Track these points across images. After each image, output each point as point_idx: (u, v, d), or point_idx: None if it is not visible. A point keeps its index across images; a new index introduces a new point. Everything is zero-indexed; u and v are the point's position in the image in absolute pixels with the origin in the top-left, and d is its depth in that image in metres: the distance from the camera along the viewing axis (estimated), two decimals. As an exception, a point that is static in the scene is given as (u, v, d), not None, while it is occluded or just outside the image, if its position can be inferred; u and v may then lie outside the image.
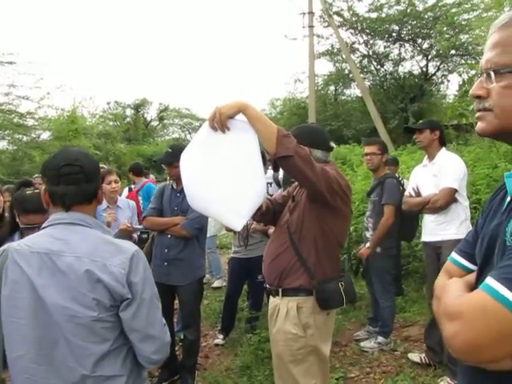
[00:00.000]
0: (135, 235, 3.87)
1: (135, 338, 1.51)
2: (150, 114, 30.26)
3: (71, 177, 1.53)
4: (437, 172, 3.58)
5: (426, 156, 3.80)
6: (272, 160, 2.91)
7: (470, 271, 1.11)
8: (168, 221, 3.58)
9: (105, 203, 4.12)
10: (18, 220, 2.52)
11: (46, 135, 14.79)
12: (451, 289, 1.03)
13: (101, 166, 7.49)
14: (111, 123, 25.18)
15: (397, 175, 4.92)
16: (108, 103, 27.31)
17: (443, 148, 3.70)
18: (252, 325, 4.42)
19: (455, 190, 3.47)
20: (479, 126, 1.04)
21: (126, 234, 3.59)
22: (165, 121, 32.11)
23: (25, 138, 13.62)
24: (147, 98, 28.50)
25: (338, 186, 2.23)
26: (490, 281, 0.86)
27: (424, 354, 3.79)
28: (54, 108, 14.09)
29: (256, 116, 2.02)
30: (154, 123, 31.31)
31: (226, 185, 2.05)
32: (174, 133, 34.17)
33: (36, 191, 2.42)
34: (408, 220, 4.26)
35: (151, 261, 3.65)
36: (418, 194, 3.74)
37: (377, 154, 4.18)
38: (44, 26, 59.58)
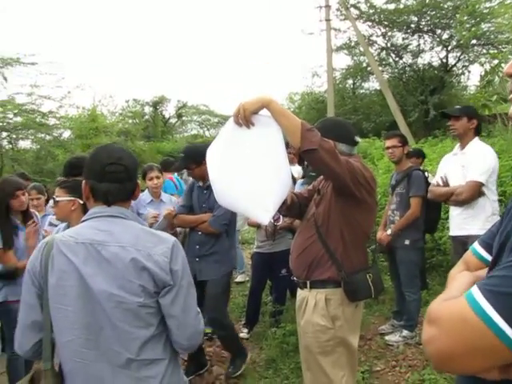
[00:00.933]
0: (178, 229, 3.93)
1: (173, 324, 1.57)
2: (169, 111, 30.29)
3: (116, 175, 1.60)
4: (465, 162, 3.47)
5: (458, 144, 3.67)
6: (297, 154, 2.93)
7: (488, 263, 1.05)
8: (197, 218, 3.64)
9: (149, 197, 4.37)
10: None
11: (67, 134, 15.04)
12: (454, 285, 0.98)
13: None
14: (130, 121, 25.34)
15: (421, 168, 4.89)
16: (127, 101, 27.44)
17: (476, 138, 3.54)
18: (276, 319, 4.45)
19: (481, 184, 3.37)
20: None
21: (169, 220, 3.71)
22: (183, 118, 32.14)
23: (47, 137, 13.82)
24: (165, 96, 28.59)
25: (363, 177, 2.23)
26: (474, 290, 0.82)
27: (451, 348, 3.74)
28: (74, 107, 14.31)
29: (280, 111, 2.04)
30: (173, 120, 31.36)
31: (252, 179, 2.08)
32: (192, 129, 34.23)
33: None
34: (431, 212, 4.23)
35: None
36: (446, 183, 3.64)
37: (398, 146, 4.17)
38: (63, 26, 60.27)
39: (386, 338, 4.26)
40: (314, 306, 2.29)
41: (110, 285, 1.49)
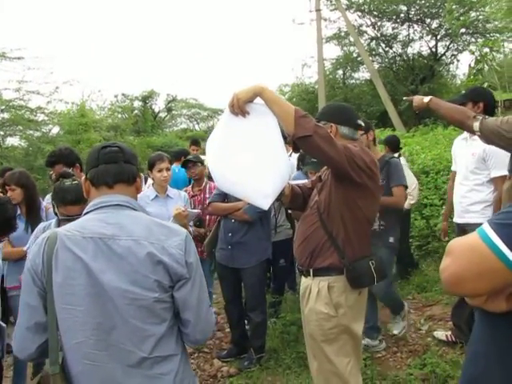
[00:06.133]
0: (190, 228, 3.73)
1: (189, 317, 1.51)
2: (158, 105, 30.08)
3: (111, 155, 1.56)
4: (477, 151, 3.25)
5: None
6: (291, 141, 2.93)
7: None
8: (231, 206, 3.65)
9: (153, 192, 3.79)
10: (56, 210, 2.51)
11: (56, 130, 14.87)
12: None
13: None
14: (120, 116, 25.15)
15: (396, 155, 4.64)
16: (116, 96, 27.16)
17: None
18: (276, 309, 4.43)
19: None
20: None
21: (180, 221, 3.30)
22: (173, 112, 31.99)
23: (36, 133, 13.66)
24: (155, 90, 28.37)
25: (363, 162, 2.20)
26: (484, 225, 0.96)
27: (450, 332, 3.76)
28: (63, 102, 14.15)
29: (273, 99, 2.08)
30: (163, 114, 31.18)
31: (251, 166, 2.10)
32: (182, 123, 34.18)
33: (74, 182, 2.40)
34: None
35: (217, 244, 3.82)
36: None
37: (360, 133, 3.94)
38: (49, 20, 59.58)
39: (394, 331, 4.02)
40: (317, 294, 2.27)
41: (123, 281, 1.42)
